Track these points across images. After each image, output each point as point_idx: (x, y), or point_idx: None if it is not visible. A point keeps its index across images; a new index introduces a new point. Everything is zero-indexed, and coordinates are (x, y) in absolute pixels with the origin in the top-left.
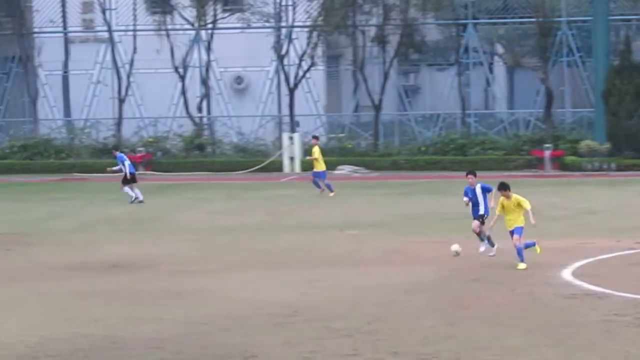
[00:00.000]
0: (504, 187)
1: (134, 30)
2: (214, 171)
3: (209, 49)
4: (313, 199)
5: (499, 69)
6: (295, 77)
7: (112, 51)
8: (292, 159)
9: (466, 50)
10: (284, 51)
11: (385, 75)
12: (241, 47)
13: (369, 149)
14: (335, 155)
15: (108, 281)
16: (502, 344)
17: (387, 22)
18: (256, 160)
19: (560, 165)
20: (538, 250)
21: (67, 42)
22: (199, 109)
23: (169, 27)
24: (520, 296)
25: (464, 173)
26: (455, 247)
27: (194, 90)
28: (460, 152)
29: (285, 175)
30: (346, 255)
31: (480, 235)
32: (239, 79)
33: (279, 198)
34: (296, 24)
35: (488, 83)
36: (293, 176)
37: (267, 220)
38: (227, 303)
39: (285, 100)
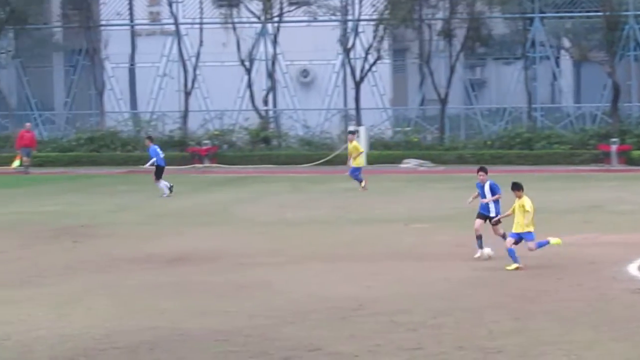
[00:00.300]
0: (516, 187)
1: (201, 23)
2: (280, 164)
3: (275, 42)
4: (378, 192)
5: (566, 63)
6: (361, 70)
7: (179, 44)
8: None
9: (533, 44)
10: (350, 44)
11: (452, 69)
12: (307, 41)
13: (435, 143)
14: (401, 149)
15: (174, 273)
16: (569, 339)
17: (454, 15)
18: (322, 154)
19: (627, 159)
20: (511, 268)
21: (133, 34)
22: (265, 102)
23: (236, 20)
24: (586, 291)
25: (527, 167)
26: (487, 250)
27: (260, 83)
28: (526, 146)
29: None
30: (411, 249)
31: (504, 236)
32: (305, 72)
33: (345, 191)
34: (362, 17)
35: (554, 77)
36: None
37: (333, 214)
38: (293, 296)
39: (351, 93)
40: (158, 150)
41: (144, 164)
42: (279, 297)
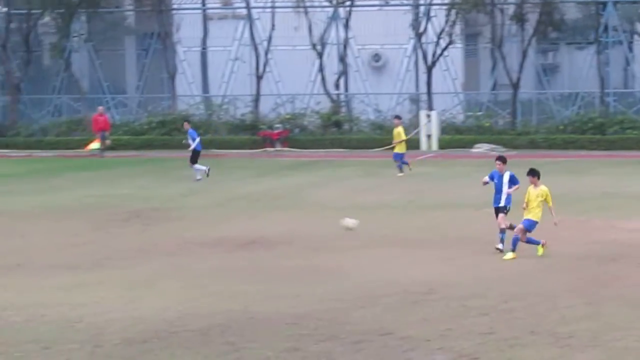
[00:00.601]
0: (532, 173)
1: (272, 7)
2: (351, 148)
3: (346, 26)
4: (450, 177)
5: (639, 47)
6: (433, 55)
7: (251, 28)
8: (429, 136)
9: (605, 29)
10: (422, 29)
11: (524, 54)
12: (379, 25)
13: (507, 128)
14: (473, 134)
15: (245, 257)
16: None
17: (526, 0)
18: (393, 138)
19: None
20: (540, 252)
21: (205, 18)
22: (337, 86)
23: (307, 4)
24: None
25: (600, 153)
26: (348, 222)
27: (332, 67)
28: (598, 132)
29: (422, 153)
30: (483, 234)
31: (503, 230)
32: (376, 57)
33: (416, 176)
34: (434, 1)
35: (627, 62)
36: (430, 154)
37: (404, 198)
38: (364, 280)
39: (423, 78)
40: (196, 133)
41: (216, 148)
42: (349, 281)
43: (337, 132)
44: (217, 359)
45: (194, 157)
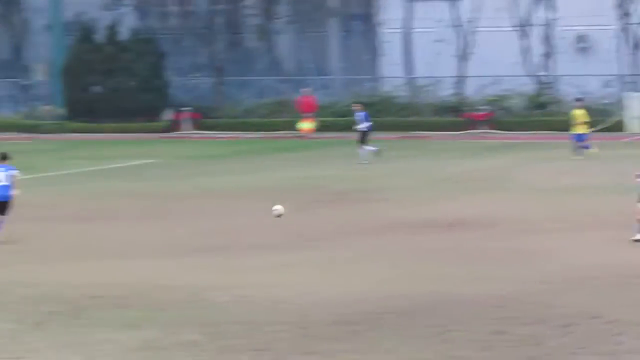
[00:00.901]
0: None
1: None
2: (556, 130)
3: (552, 7)
4: None
5: None
6: None
7: (455, 9)
8: (636, 119)
9: None
10: (628, 9)
11: None
12: (584, 5)
13: None
14: None
15: (449, 238)
16: None
17: None
18: (599, 120)
19: None
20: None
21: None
22: (542, 68)
23: None
24: None
25: None
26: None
27: (537, 48)
28: None
29: (628, 135)
30: None
31: None
32: (581, 38)
33: (623, 158)
34: None
35: None
36: (637, 137)
37: (612, 180)
38: (568, 263)
39: (630, 59)
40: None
41: (420, 130)
42: (554, 264)
43: (542, 114)
44: (425, 341)
45: (363, 138)
